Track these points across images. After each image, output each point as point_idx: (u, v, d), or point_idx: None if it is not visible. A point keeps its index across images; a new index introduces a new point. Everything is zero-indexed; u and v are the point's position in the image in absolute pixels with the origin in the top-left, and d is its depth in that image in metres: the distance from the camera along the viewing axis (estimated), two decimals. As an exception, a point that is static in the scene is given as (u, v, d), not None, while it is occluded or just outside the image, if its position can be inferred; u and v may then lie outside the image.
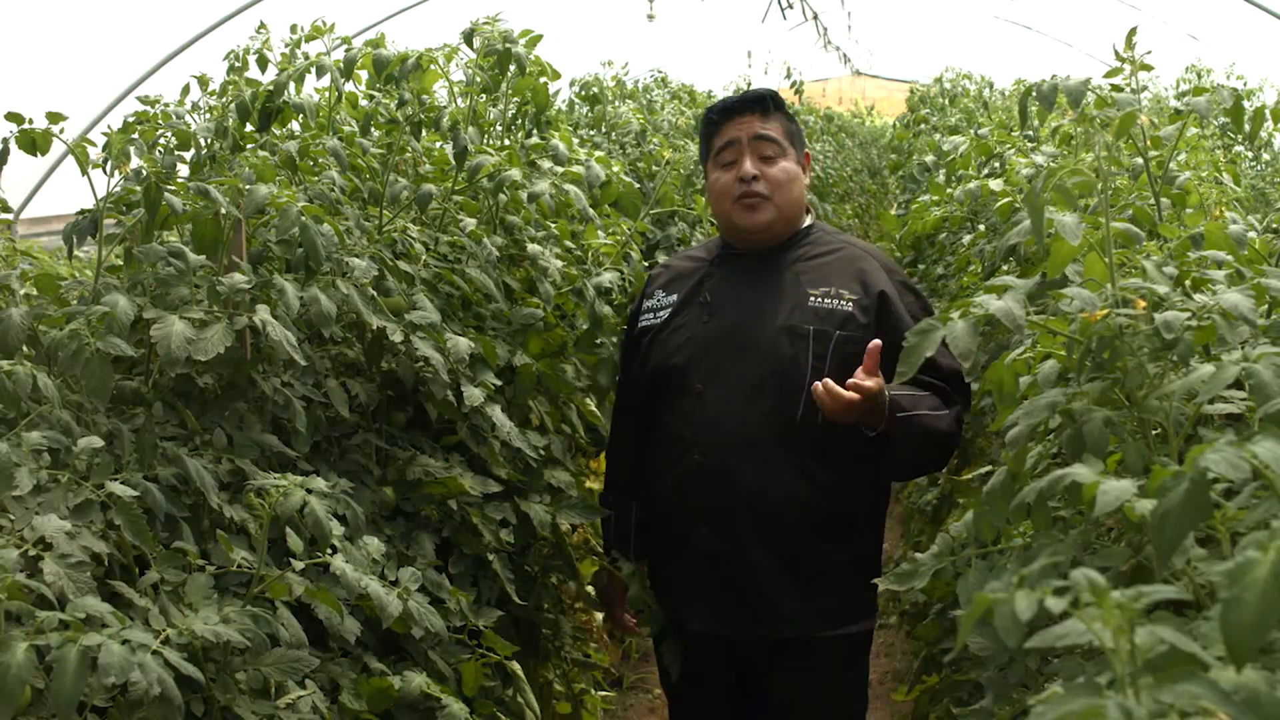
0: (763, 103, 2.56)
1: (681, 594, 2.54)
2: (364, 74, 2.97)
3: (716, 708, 2.60)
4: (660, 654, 2.64)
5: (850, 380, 2.24)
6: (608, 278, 3.05)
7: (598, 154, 3.28)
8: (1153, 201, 2.13)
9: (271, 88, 2.74)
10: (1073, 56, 12.54)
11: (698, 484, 2.47)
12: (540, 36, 2.95)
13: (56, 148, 2.13)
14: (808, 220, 2.62)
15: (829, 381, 2.25)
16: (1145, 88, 2.16)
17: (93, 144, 2.13)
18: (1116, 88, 2.13)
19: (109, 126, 2.26)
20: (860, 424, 2.31)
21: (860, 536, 2.50)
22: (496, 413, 2.50)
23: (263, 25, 2.92)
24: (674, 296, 2.61)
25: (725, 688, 2.57)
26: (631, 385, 2.68)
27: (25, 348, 1.85)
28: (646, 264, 3.75)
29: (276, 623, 1.77)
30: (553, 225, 3.19)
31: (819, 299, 2.45)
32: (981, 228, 3.57)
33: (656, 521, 2.60)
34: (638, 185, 3.73)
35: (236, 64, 2.89)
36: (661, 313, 2.61)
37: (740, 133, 2.53)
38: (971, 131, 5.45)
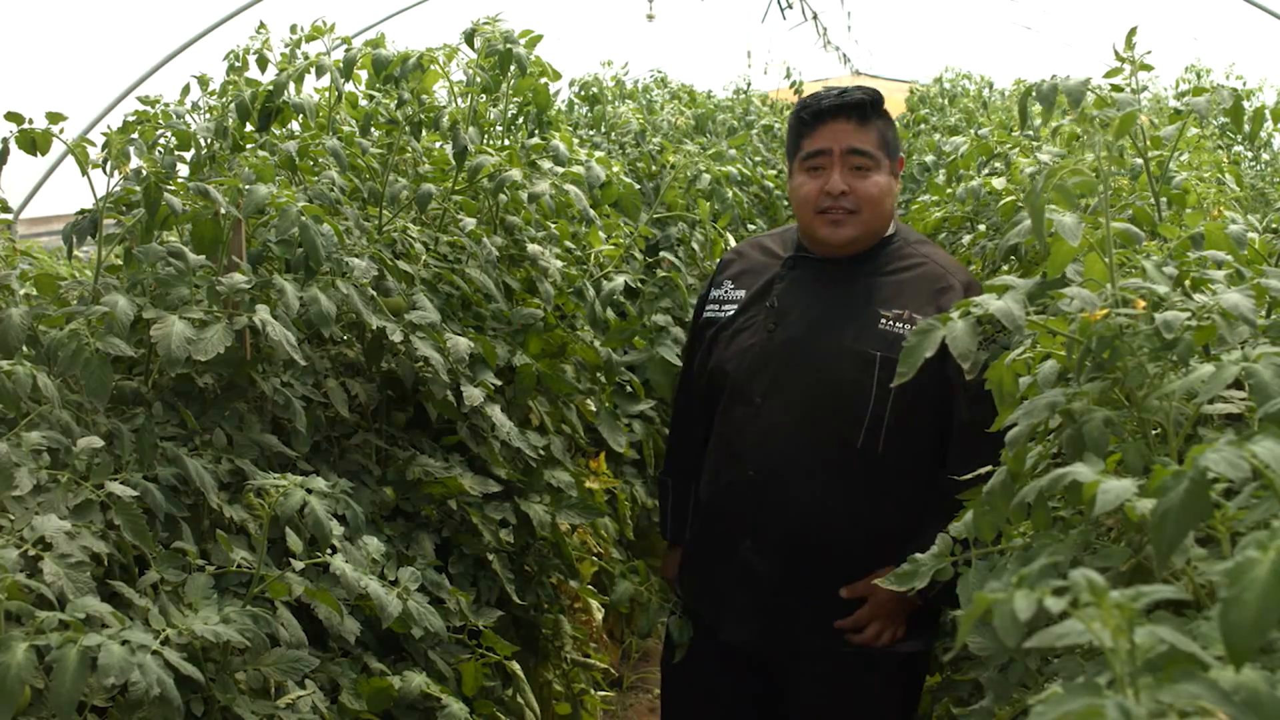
0: (861, 109, 2.34)
1: (716, 604, 2.45)
2: (364, 74, 2.97)
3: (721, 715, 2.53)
4: (667, 630, 2.58)
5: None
6: (621, 281, 3.04)
7: (597, 154, 3.28)
8: (1153, 201, 2.13)
9: (271, 88, 2.74)
10: (1073, 56, 12.51)
11: (747, 498, 2.36)
12: (541, 37, 2.94)
13: (56, 148, 2.13)
14: (891, 228, 2.44)
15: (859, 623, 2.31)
16: (1145, 88, 2.16)
17: (93, 144, 2.13)
18: (1116, 88, 2.12)
19: (109, 126, 2.26)
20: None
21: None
22: (496, 413, 2.50)
23: (263, 25, 2.92)
24: (742, 292, 2.49)
25: (739, 701, 2.49)
26: (697, 371, 2.59)
27: (25, 348, 1.85)
28: (651, 261, 3.75)
29: (276, 623, 1.77)
30: (553, 226, 3.19)
31: (889, 322, 2.29)
32: (982, 228, 3.57)
33: (700, 527, 2.52)
34: (637, 186, 3.72)
35: (236, 64, 2.89)
36: (728, 307, 2.50)
37: (832, 144, 2.34)
38: (971, 131, 5.45)
